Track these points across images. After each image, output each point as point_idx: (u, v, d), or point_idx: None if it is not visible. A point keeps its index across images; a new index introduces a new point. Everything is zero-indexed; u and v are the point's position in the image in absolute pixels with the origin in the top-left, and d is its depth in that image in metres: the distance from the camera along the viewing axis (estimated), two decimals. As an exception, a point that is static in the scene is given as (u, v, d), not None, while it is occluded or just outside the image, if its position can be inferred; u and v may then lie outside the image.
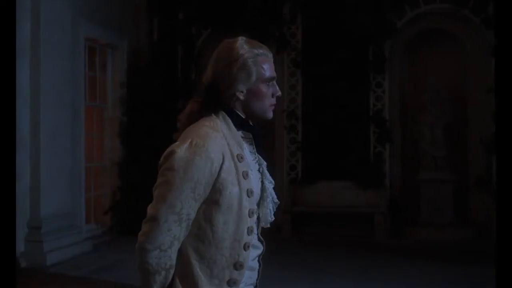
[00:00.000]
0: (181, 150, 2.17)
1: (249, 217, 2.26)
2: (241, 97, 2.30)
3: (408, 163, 10.97)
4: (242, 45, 2.30)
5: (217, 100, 2.30)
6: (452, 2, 10.44)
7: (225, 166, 2.20)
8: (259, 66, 2.30)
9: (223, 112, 2.30)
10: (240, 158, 2.26)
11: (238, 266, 2.24)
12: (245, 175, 2.25)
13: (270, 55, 2.35)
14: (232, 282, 2.24)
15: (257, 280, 2.40)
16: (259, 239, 2.38)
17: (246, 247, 2.26)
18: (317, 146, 10.74)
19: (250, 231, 2.27)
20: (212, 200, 2.20)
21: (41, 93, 8.28)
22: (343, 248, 9.52)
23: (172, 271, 2.21)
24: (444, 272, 7.98)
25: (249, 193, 2.26)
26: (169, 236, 2.16)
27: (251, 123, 2.36)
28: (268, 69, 2.32)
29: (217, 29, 11.11)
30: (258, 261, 2.38)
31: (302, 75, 10.96)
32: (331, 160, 10.66)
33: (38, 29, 8.26)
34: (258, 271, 2.39)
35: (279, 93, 2.37)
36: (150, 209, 2.20)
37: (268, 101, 2.34)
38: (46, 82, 8.36)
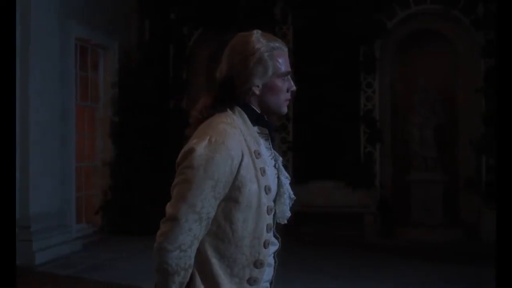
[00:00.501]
0: (200, 147, 2.14)
1: (268, 214, 2.24)
2: (257, 91, 2.27)
3: (399, 164, 10.99)
4: (258, 38, 2.27)
5: (232, 95, 2.27)
6: (442, 3, 10.47)
7: (244, 163, 2.18)
8: (275, 60, 2.27)
9: (238, 108, 2.28)
10: (258, 154, 2.24)
11: (258, 264, 2.22)
12: (263, 171, 2.23)
13: (286, 49, 2.33)
14: (252, 281, 2.22)
15: (273, 276, 2.38)
16: (274, 236, 2.35)
17: (266, 244, 2.24)
18: (308, 146, 10.76)
19: (269, 229, 2.25)
20: (232, 198, 2.18)
21: (30, 93, 8.28)
22: (335, 248, 9.55)
23: (190, 271, 2.18)
24: (436, 272, 8.00)
25: (267, 189, 2.24)
26: (189, 236, 2.12)
27: (266, 118, 2.33)
28: (283, 64, 2.29)
29: (209, 29, 11.15)
30: (274, 257, 2.36)
31: (293, 75, 10.95)
32: (321, 160, 10.69)
33: (28, 29, 8.26)
34: (274, 268, 2.37)
35: (294, 87, 2.34)
36: (169, 209, 2.16)
37: (283, 96, 2.32)
38: (35, 81, 8.37)
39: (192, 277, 2.19)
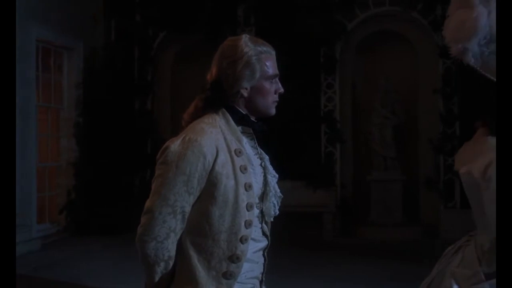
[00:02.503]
0: (174, 145, 2.24)
1: (247, 210, 2.28)
2: (245, 94, 2.35)
3: (360, 163, 11.09)
4: (246, 43, 2.35)
5: (221, 97, 2.35)
6: (401, 5, 10.55)
7: (219, 160, 2.24)
8: (263, 63, 2.35)
9: (223, 109, 2.35)
10: (238, 152, 2.30)
11: (235, 258, 2.27)
12: (243, 169, 2.28)
13: (273, 52, 2.42)
14: (228, 275, 2.27)
15: (262, 274, 2.42)
16: (263, 233, 2.40)
17: (243, 240, 2.28)
18: (268, 146, 10.78)
19: (248, 225, 2.29)
20: (208, 193, 2.25)
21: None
22: (294, 247, 9.60)
23: (171, 263, 2.27)
24: (394, 271, 7.99)
25: (247, 187, 2.29)
26: (164, 228, 2.21)
27: (252, 119, 2.41)
28: (271, 67, 2.38)
29: (173, 31, 11.23)
30: (263, 255, 2.41)
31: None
32: (282, 160, 10.72)
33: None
34: (264, 265, 2.42)
35: (282, 90, 2.44)
36: (147, 202, 2.26)
37: (271, 98, 2.41)
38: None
39: (173, 269, 2.28)
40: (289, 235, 10.17)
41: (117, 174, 10.68)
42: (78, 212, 10.52)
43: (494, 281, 2.57)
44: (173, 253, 2.27)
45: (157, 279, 2.29)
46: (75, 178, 10.74)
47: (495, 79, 2.65)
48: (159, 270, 2.27)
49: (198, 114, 2.38)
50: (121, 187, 10.68)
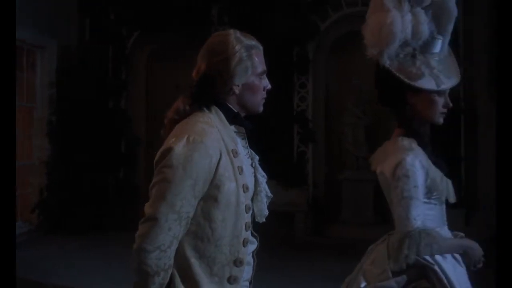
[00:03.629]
0: (178, 146, 2.15)
1: (246, 212, 2.30)
2: (237, 91, 2.32)
3: (333, 163, 11.12)
4: (238, 38, 2.33)
5: (211, 94, 2.29)
6: (374, 6, 10.59)
7: (222, 162, 2.21)
8: (253, 59, 2.35)
9: (215, 107, 2.29)
10: (235, 153, 2.28)
11: (238, 262, 2.27)
12: (240, 170, 2.28)
13: (261, 48, 2.40)
14: (232, 279, 2.26)
15: (251, 275, 2.41)
16: (252, 235, 2.39)
17: (245, 243, 2.29)
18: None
19: (247, 227, 2.31)
20: (211, 196, 2.20)
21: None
22: (265, 246, 9.57)
23: (170, 271, 2.17)
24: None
25: (245, 188, 2.29)
26: (169, 236, 2.12)
27: (242, 117, 2.36)
28: (260, 63, 2.39)
29: (147, 30, 11.21)
30: (253, 256, 2.40)
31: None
32: (254, 159, 10.78)
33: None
34: (253, 267, 2.41)
35: (269, 86, 2.42)
36: (148, 209, 2.16)
37: (260, 95, 2.40)
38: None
39: (171, 278, 2.19)
40: (260, 234, 10.21)
41: (90, 173, 10.65)
42: (51, 211, 10.48)
43: (400, 278, 2.63)
44: (172, 260, 2.18)
45: None
46: (47, 177, 10.70)
47: (408, 81, 2.72)
48: (158, 281, 2.16)
49: (185, 111, 2.31)
50: (95, 187, 10.65)
